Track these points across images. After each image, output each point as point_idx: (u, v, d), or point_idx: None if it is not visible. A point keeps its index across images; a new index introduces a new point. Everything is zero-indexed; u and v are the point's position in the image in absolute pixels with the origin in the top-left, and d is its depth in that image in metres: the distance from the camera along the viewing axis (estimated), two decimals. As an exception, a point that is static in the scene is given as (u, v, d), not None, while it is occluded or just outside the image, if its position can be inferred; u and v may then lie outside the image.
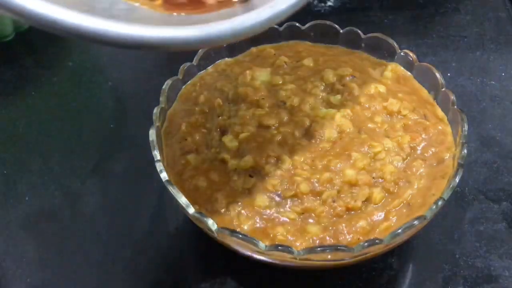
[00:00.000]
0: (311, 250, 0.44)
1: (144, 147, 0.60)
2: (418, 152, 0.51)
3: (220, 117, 0.53)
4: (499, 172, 0.60)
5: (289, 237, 0.46)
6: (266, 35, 0.60)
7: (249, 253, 0.46)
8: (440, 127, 0.53)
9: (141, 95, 0.68)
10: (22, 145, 0.64)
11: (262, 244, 0.44)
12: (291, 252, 0.44)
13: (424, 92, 0.56)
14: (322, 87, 0.55)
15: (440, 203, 0.46)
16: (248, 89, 0.54)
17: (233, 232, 0.45)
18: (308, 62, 0.58)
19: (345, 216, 0.47)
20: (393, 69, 0.58)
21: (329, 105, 0.54)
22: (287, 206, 0.47)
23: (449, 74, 0.68)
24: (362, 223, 0.47)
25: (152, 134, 0.50)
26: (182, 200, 0.47)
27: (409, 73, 0.58)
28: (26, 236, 0.56)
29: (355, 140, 0.51)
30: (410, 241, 0.53)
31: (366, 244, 0.44)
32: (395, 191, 0.49)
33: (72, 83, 0.70)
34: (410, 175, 0.49)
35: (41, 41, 0.75)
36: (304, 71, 0.57)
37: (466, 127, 0.51)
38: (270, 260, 0.46)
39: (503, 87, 0.68)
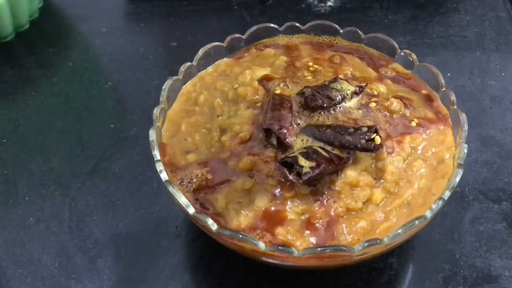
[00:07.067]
0: (311, 250, 0.44)
1: (144, 147, 0.61)
2: (419, 152, 0.51)
3: (220, 117, 0.53)
4: (499, 172, 0.60)
5: (289, 237, 0.46)
6: (266, 35, 0.60)
7: (249, 253, 0.46)
8: (440, 127, 0.53)
9: (141, 95, 0.68)
10: (22, 145, 0.64)
11: (262, 244, 0.44)
12: (291, 252, 0.44)
13: (424, 92, 0.56)
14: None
15: (440, 203, 0.46)
16: (248, 89, 0.54)
17: (233, 232, 0.45)
18: (308, 62, 0.58)
19: (345, 216, 0.47)
20: (393, 69, 0.58)
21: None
22: (287, 206, 0.47)
23: (449, 74, 0.68)
24: (362, 223, 0.47)
25: (152, 134, 0.50)
26: (182, 200, 0.47)
27: (409, 73, 0.58)
28: (26, 236, 0.56)
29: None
30: (410, 241, 0.54)
31: (366, 244, 0.44)
32: (396, 191, 0.49)
33: (72, 83, 0.71)
34: (410, 175, 0.49)
35: (41, 41, 0.75)
36: (304, 71, 0.57)
37: (466, 127, 0.51)
38: (270, 260, 0.46)
39: (503, 87, 0.68)
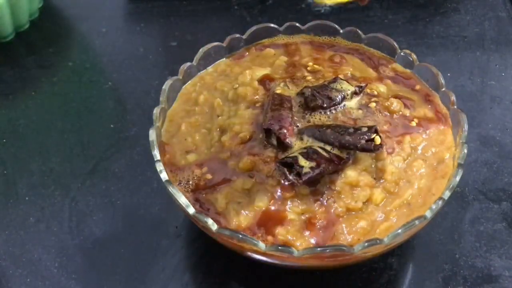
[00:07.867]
0: (311, 250, 0.44)
1: (144, 147, 0.61)
2: (419, 152, 0.51)
3: (220, 117, 0.53)
4: (499, 172, 0.60)
5: (289, 237, 0.46)
6: (266, 35, 0.60)
7: (249, 253, 0.46)
8: (440, 127, 0.53)
9: (141, 95, 0.68)
10: (22, 145, 0.64)
11: (262, 244, 0.44)
12: (291, 252, 0.44)
13: (424, 92, 0.56)
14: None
15: (440, 203, 0.46)
16: (248, 89, 0.54)
17: (233, 232, 0.45)
18: (308, 62, 0.58)
19: (345, 216, 0.47)
20: (393, 69, 0.58)
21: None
22: (287, 206, 0.47)
23: (449, 74, 0.68)
24: (362, 223, 0.47)
25: (152, 134, 0.50)
26: (182, 200, 0.47)
27: (409, 72, 0.58)
28: (26, 236, 0.56)
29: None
30: (410, 241, 0.54)
31: (366, 244, 0.44)
32: (396, 191, 0.49)
33: (72, 83, 0.71)
34: (410, 175, 0.49)
35: (41, 41, 0.75)
36: (304, 71, 0.57)
37: (466, 127, 0.51)
38: (270, 260, 0.46)
39: (503, 87, 0.68)
